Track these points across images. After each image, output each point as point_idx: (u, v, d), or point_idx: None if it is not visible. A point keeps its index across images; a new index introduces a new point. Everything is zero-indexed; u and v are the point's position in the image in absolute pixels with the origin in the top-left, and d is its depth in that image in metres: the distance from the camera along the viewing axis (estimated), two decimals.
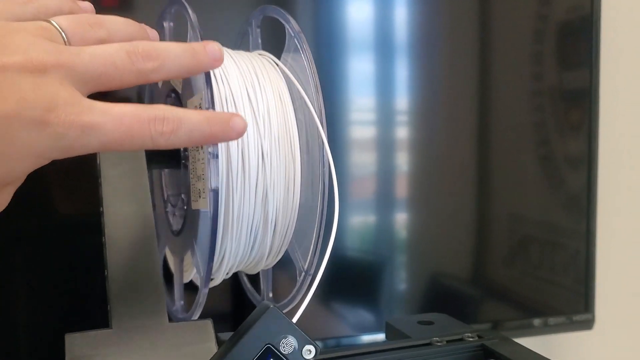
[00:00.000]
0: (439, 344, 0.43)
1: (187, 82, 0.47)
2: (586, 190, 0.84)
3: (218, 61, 0.37)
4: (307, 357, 0.36)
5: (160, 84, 0.55)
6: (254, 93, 0.46)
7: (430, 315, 0.49)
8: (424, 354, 0.42)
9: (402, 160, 0.75)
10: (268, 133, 0.46)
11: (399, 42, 0.75)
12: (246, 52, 0.52)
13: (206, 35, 0.45)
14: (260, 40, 0.55)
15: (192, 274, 0.52)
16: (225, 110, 0.44)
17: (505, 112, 0.81)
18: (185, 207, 0.50)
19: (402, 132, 0.74)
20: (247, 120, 0.44)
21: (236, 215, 0.45)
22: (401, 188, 0.76)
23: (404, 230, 0.75)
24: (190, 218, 0.48)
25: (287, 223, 0.49)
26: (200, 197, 0.45)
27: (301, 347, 0.36)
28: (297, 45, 0.48)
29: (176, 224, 0.53)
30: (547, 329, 0.81)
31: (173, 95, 0.52)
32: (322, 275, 0.40)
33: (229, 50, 0.49)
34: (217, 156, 0.42)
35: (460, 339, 0.44)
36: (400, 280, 0.76)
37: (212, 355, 0.37)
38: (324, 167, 0.46)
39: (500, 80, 0.81)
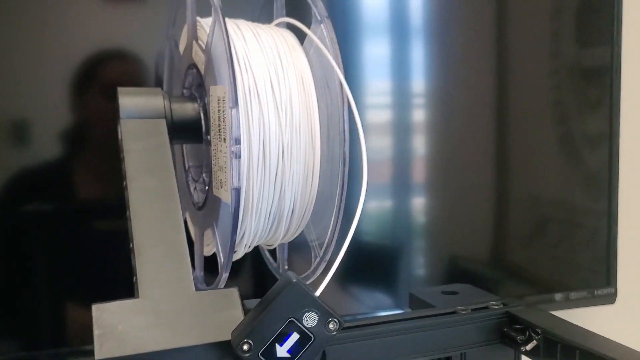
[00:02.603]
0: (463, 312, 0.43)
1: (210, 65, 0.46)
2: (607, 167, 0.83)
3: None
4: (330, 331, 0.36)
5: (181, 53, 0.55)
6: (277, 81, 0.46)
7: (453, 285, 0.49)
8: (449, 322, 0.43)
9: (420, 144, 0.74)
10: (289, 123, 0.46)
11: (414, 24, 0.73)
12: (268, 25, 0.51)
13: (227, 4, 0.45)
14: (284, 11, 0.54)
15: (211, 251, 0.52)
16: (248, 102, 0.44)
17: (524, 92, 0.80)
18: (206, 188, 0.50)
19: (419, 115, 0.74)
20: (270, 111, 0.44)
21: (256, 204, 0.46)
22: (418, 171, 0.76)
23: (422, 214, 0.75)
24: (211, 200, 0.49)
25: (304, 210, 0.49)
26: (221, 187, 0.45)
27: (324, 320, 0.36)
28: (322, 31, 0.47)
29: (197, 197, 0.54)
30: (569, 304, 0.81)
31: (194, 70, 0.51)
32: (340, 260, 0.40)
33: (251, 26, 0.49)
34: (239, 156, 0.42)
35: (485, 307, 0.44)
36: (419, 264, 0.76)
37: (238, 324, 0.38)
38: (344, 160, 0.46)
39: (518, 60, 0.79)
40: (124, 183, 0.46)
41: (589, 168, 0.84)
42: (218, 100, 0.45)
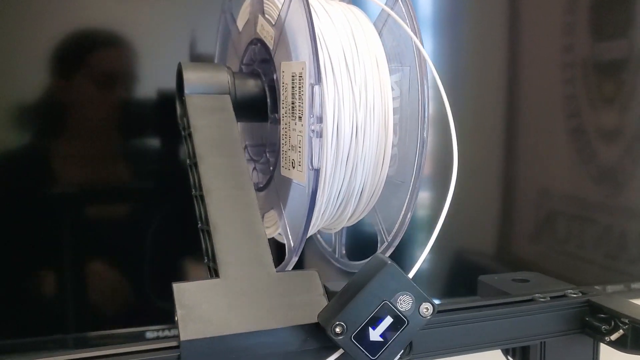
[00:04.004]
0: (542, 300, 0.42)
1: (282, 41, 0.45)
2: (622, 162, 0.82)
3: None
4: (423, 315, 0.35)
5: (240, 29, 0.53)
6: (351, 59, 0.44)
7: (522, 273, 0.48)
8: (528, 309, 0.41)
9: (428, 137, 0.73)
10: (364, 103, 0.44)
11: (425, 15, 0.72)
12: (337, 1, 0.50)
13: None
14: None
15: (274, 232, 0.51)
16: (324, 79, 0.42)
17: (535, 86, 0.79)
18: (271, 169, 0.48)
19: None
20: (344, 89, 0.43)
21: (328, 185, 0.44)
22: (426, 165, 0.74)
23: (428, 208, 0.74)
24: (277, 181, 0.47)
25: (373, 192, 0.47)
26: (294, 167, 0.44)
27: (418, 304, 0.35)
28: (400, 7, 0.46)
29: (257, 178, 0.52)
30: None
31: (258, 45, 0.50)
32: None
33: (321, 1, 0.47)
34: (320, 135, 0.40)
35: (563, 295, 0.43)
36: (425, 258, 0.75)
37: (323, 306, 0.37)
38: (423, 142, 0.45)
39: (530, 53, 0.78)
40: (191, 160, 0.45)
41: (602, 163, 0.83)
42: (293, 76, 0.43)
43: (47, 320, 0.70)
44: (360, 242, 0.64)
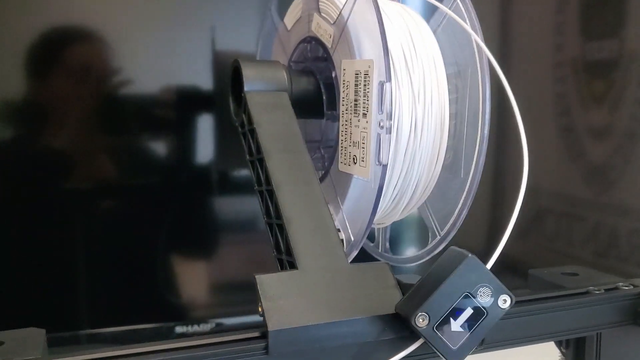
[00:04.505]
0: (597, 292, 0.44)
1: (344, 40, 0.46)
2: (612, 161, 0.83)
3: None
4: (502, 307, 0.36)
5: (289, 27, 0.54)
6: (410, 58, 0.46)
7: (569, 267, 0.50)
8: (584, 302, 0.43)
9: None
10: (422, 100, 0.45)
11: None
12: (393, 2, 0.51)
13: None
14: None
15: None
16: (384, 79, 0.43)
17: (526, 84, 0.80)
18: (327, 164, 0.49)
19: None
20: (404, 87, 0.44)
21: (387, 181, 0.45)
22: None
23: None
24: (334, 176, 0.48)
25: (426, 187, 0.49)
26: (355, 163, 0.45)
27: (497, 296, 0.36)
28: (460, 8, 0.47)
29: None
30: None
31: (312, 43, 0.51)
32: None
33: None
34: (390, 131, 0.41)
35: (615, 288, 0.45)
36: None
37: (397, 297, 0.38)
38: (482, 143, 0.46)
39: (522, 52, 0.79)
40: (254, 156, 0.46)
41: (592, 161, 0.84)
42: (356, 74, 0.44)
43: (60, 317, 0.70)
44: (402, 237, 0.65)
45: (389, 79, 0.41)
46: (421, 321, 0.35)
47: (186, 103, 0.69)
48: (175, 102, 0.68)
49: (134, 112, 0.67)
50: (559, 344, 0.46)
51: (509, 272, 0.80)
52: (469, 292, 0.36)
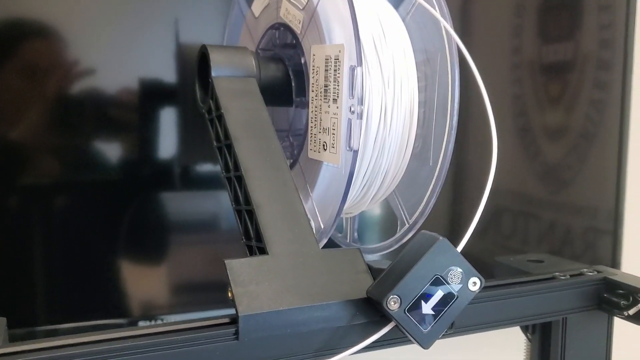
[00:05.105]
0: (562, 278, 0.44)
1: (314, 26, 0.45)
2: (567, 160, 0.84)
3: None
4: (472, 289, 0.36)
5: (256, 14, 0.53)
6: (380, 44, 0.46)
7: (535, 255, 0.51)
8: (550, 287, 0.44)
9: None
10: (391, 86, 0.45)
11: None
12: None
13: None
14: None
15: None
16: (355, 63, 0.43)
17: (485, 85, 0.81)
18: (296, 152, 0.49)
19: None
20: (374, 73, 0.44)
21: (357, 168, 0.45)
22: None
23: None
24: (303, 164, 0.48)
25: (395, 175, 0.49)
26: (325, 149, 0.44)
27: (467, 279, 0.36)
28: None
29: None
30: None
31: (280, 30, 0.50)
32: None
33: None
34: (361, 116, 0.41)
35: (580, 274, 0.46)
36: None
37: (368, 282, 0.38)
38: (451, 131, 0.46)
39: (480, 54, 0.80)
40: (222, 142, 0.45)
41: (547, 160, 0.86)
42: (326, 59, 0.44)
43: (16, 313, 0.68)
44: (370, 228, 0.65)
45: (360, 63, 0.41)
46: (393, 304, 0.35)
47: (148, 97, 0.67)
48: (137, 96, 0.67)
49: (93, 106, 0.65)
50: (525, 329, 0.47)
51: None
52: (439, 275, 0.36)
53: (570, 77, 0.85)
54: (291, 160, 0.49)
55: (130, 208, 0.68)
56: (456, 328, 0.40)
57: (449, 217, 0.81)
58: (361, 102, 0.41)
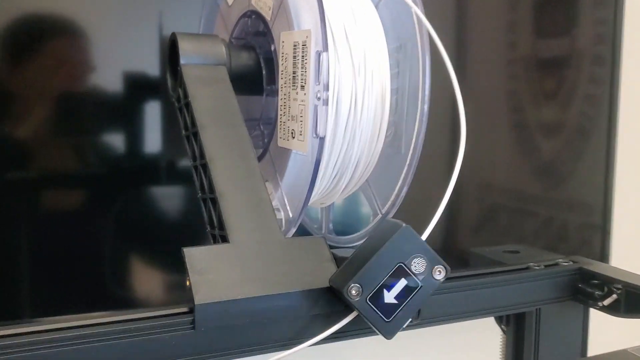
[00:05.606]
0: (537, 267, 0.43)
1: (283, 12, 0.45)
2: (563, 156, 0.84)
3: None
4: (436, 277, 0.36)
5: (230, 2, 0.53)
6: (351, 31, 0.45)
7: (512, 245, 0.50)
8: (524, 277, 0.43)
9: None
10: (362, 74, 0.44)
11: None
12: None
13: None
14: None
15: None
16: (321, 49, 0.42)
17: (480, 81, 0.80)
18: (266, 141, 0.48)
19: None
20: (345, 60, 0.43)
21: (327, 156, 0.44)
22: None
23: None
24: (273, 153, 0.47)
25: (367, 164, 0.48)
26: (293, 137, 0.44)
27: (431, 267, 0.35)
28: None
29: None
30: None
31: (252, 17, 0.49)
32: None
33: None
34: (327, 103, 0.40)
35: (556, 264, 0.45)
36: None
37: (332, 271, 0.37)
38: (422, 118, 0.45)
39: (475, 49, 0.80)
40: (189, 131, 0.44)
41: (543, 157, 0.85)
42: (295, 45, 0.43)
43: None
44: (346, 218, 0.64)
45: (325, 48, 0.40)
46: (354, 293, 0.34)
47: (133, 90, 0.67)
48: (121, 89, 0.66)
49: (80, 101, 0.65)
50: (499, 320, 0.46)
51: (465, 267, 0.81)
52: (403, 263, 0.35)
53: (566, 73, 0.84)
54: (262, 150, 0.49)
55: (116, 203, 0.68)
56: (425, 318, 0.39)
57: (444, 218, 0.80)
58: (327, 88, 0.40)
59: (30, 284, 0.67)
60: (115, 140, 0.66)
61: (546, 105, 0.83)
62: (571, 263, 0.45)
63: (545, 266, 0.44)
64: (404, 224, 0.35)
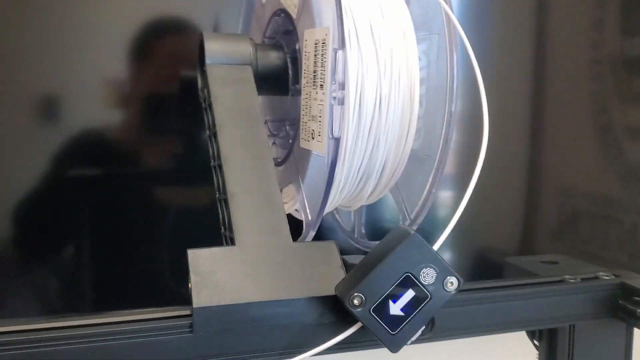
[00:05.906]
0: (572, 280, 0.40)
1: (307, 9, 0.43)
2: None
3: None
4: (448, 289, 0.33)
5: (263, 0, 0.52)
6: (377, 28, 0.43)
7: (551, 255, 0.46)
8: (556, 290, 0.40)
9: None
10: (389, 74, 0.42)
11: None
12: None
13: None
14: None
15: (291, 207, 0.50)
16: (349, 46, 0.40)
17: (563, 82, 0.76)
18: (290, 142, 0.47)
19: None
20: (369, 58, 0.41)
21: (348, 158, 0.43)
22: (448, 163, 0.71)
23: (449, 207, 0.72)
24: (296, 154, 0.46)
25: (395, 168, 0.46)
26: (313, 138, 0.42)
27: (442, 278, 0.33)
28: None
29: (277, 153, 0.51)
30: None
31: (282, 16, 0.48)
32: None
33: None
34: (343, 102, 0.39)
35: (595, 277, 0.41)
36: (445, 257, 0.72)
37: (341, 278, 0.35)
38: (450, 116, 0.43)
39: (558, 48, 0.75)
40: (210, 131, 0.44)
41: (629, 161, 0.80)
42: (316, 43, 0.42)
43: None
44: (382, 222, 0.62)
45: (342, 46, 0.38)
46: (356, 303, 0.33)
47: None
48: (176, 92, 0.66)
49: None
50: (531, 335, 0.43)
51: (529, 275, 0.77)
52: (410, 273, 0.33)
53: None
54: (287, 151, 0.48)
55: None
56: (441, 330, 0.37)
57: (523, 224, 0.77)
58: (342, 87, 0.39)
59: (92, 280, 0.69)
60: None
61: (633, 107, 0.78)
62: (613, 277, 0.41)
63: (582, 279, 0.40)
64: (413, 232, 0.33)
